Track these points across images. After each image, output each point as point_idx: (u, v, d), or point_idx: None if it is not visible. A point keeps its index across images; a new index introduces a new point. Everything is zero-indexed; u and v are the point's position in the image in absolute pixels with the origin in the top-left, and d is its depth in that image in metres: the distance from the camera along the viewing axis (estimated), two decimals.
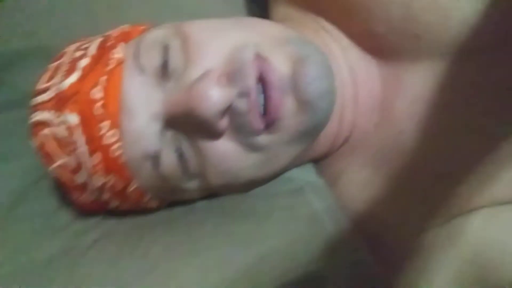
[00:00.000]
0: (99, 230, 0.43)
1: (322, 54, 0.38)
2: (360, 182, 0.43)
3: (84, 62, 0.37)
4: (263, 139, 0.36)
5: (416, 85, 0.41)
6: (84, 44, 0.40)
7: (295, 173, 0.45)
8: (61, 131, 0.36)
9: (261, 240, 0.39)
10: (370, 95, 0.43)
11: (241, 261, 0.37)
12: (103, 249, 0.41)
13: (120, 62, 0.36)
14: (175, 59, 0.36)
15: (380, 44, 0.41)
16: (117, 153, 0.36)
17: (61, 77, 0.37)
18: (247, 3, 0.59)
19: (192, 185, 0.39)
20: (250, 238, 0.39)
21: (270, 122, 0.35)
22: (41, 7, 0.57)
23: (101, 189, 0.38)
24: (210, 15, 0.41)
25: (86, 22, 0.56)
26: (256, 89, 0.34)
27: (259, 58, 0.35)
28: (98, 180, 0.37)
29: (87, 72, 0.36)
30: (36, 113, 0.37)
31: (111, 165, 0.36)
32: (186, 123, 0.35)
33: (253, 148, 0.36)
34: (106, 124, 0.35)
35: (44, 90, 0.38)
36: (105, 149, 0.36)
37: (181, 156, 0.37)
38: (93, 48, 0.38)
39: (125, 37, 0.39)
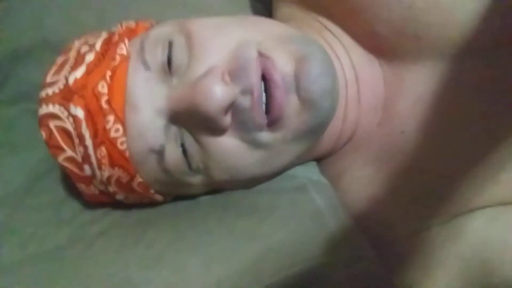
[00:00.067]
0: (106, 221, 0.44)
1: (325, 53, 0.38)
2: (363, 181, 0.43)
3: (90, 57, 0.38)
4: (266, 136, 0.36)
5: (418, 85, 0.41)
6: (90, 39, 0.41)
7: (298, 170, 0.45)
8: (68, 124, 0.37)
9: (263, 235, 0.39)
10: (373, 95, 0.43)
11: (244, 255, 0.38)
12: (109, 240, 0.41)
13: (125, 58, 0.37)
14: (179, 56, 0.36)
15: (382, 44, 0.41)
16: (122, 147, 0.36)
17: (67, 71, 0.38)
18: (252, 3, 0.58)
19: (196, 180, 0.39)
20: (253, 233, 0.39)
21: (273, 120, 0.35)
22: (48, 2, 0.58)
23: (107, 181, 0.39)
24: (215, 14, 0.41)
25: (93, 18, 0.56)
26: (260, 86, 0.35)
27: (262, 56, 0.35)
28: (104, 173, 0.38)
29: (93, 67, 0.37)
30: (43, 106, 0.38)
31: (116, 159, 0.37)
32: (190, 119, 0.36)
33: (256, 145, 0.37)
34: (111, 118, 0.36)
35: (51, 84, 0.38)
36: (110, 143, 0.36)
37: (185, 152, 0.37)
38: (99, 44, 0.39)
39: (130, 34, 0.40)
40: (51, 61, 0.41)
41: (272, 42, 0.36)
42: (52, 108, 0.37)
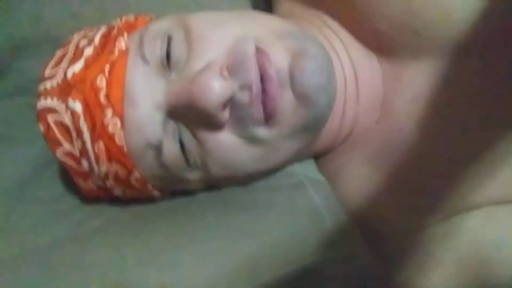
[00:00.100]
0: (104, 216, 0.44)
1: (322, 48, 0.38)
2: (361, 178, 0.43)
3: (88, 51, 0.38)
4: (263, 132, 0.36)
5: (417, 83, 0.41)
6: (89, 33, 0.41)
7: (296, 168, 0.45)
8: (66, 118, 0.37)
9: (260, 232, 0.39)
10: (372, 92, 0.43)
11: (240, 252, 0.38)
12: (106, 235, 0.41)
13: (123, 53, 0.37)
14: (178, 51, 0.36)
15: (381, 40, 0.41)
16: (120, 142, 0.36)
17: (66, 65, 0.38)
18: None
19: (194, 175, 0.39)
20: (250, 230, 0.39)
21: (268, 115, 0.35)
22: None
23: (105, 176, 0.39)
24: (216, 9, 0.41)
25: (93, 11, 0.56)
26: (258, 82, 0.35)
27: (260, 51, 0.35)
28: (102, 168, 0.38)
29: (91, 61, 0.37)
30: (41, 100, 0.38)
31: (114, 154, 0.37)
32: (188, 114, 0.36)
33: (253, 141, 0.37)
34: (109, 112, 0.36)
35: (49, 78, 0.38)
36: (108, 137, 0.36)
37: (183, 147, 0.37)
38: (97, 38, 0.39)
39: (129, 28, 0.40)
40: (51, 54, 0.41)
41: (270, 37, 0.37)
42: (51, 102, 0.37)
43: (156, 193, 0.42)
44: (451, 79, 0.39)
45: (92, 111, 0.36)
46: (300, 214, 0.41)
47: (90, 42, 0.39)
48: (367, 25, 0.41)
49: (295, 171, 0.45)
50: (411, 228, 0.38)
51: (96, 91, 0.36)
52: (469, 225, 0.35)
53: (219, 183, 0.43)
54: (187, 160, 0.38)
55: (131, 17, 0.42)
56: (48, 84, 0.38)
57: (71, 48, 0.39)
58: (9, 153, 0.51)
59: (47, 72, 0.39)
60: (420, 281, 0.36)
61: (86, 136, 0.37)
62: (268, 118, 0.35)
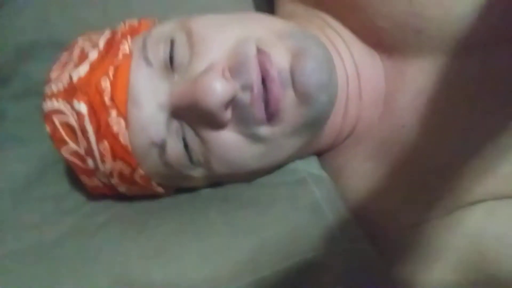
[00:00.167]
0: (108, 212, 0.44)
1: (323, 47, 0.38)
2: (363, 173, 0.43)
3: (93, 54, 0.38)
4: (265, 130, 0.37)
5: (419, 79, 0.41)
6: (94, 37, 0.41)
7: (299, 164, 0.45)
8: (71, 119, 0.38)
9: (263, 227, 0.39)
10: (374, 89, 0.43)
11: (243, 248, 0.38)
12: (110, 231, 0.42)
13: (127, 56, 0.37)
14: (181, 53, 0.37)
15: (383, 38, 0.42)
16: (124, 141, 0.37)
17: (71, 68, 0.39)
18: (255, 0, 0.58)
19: (197, 173, 0.40)
20: (252, 226, 0.40)
21: (271, 114, 0.36)
22: (53, 0, 0.58)
23: (110, 174, 0.40)
24: (218, 12, 0.41)
25: (97, 16, 0.57)
26: (259, 82, 0.35)
27: (261, 52, 0.35)
28: (107, 166, 0.39)
29: (96, 64, 0.38)
30: (47, 102, 0.39)
31: (119, 153, 0.38)
32: (191, 114, 0.36)
33: (256, 139, 0.37)
34: (113, 113, 0.36)
35: (55, 80, 0.39)
36: (113, 137, 0.37)
37: (186, 146, 0.38)
38: (102, 42, 0.39)
39: (132, 32, 0.40)
40: (56, 58, 0.41)
41: (271, 38, 0.37)
42: (57, 104, 0.38)
43: (160, 189, 0.42)
44: (453, 75, 0.39)
45: (97, 112, 0.37)
46: (302, 209, 0.41)
47: (95, 46, 0.39)
48: (368, 24, 0.41)
49: (298, 168, 0.45)
50: (413, 223, 0.38)
51: (100, 92, 0.36)
52: (470, 220, 0.35)
53: (222, 180, 0.43)
54: (190, 158, 0.38)
55: (134, 21, 0.43)
56: (53, 87, 0.39)
57: (76, 51, 0.40)
58: (17, 152, 0.52)
59: (53, 75, 0.40)
60: (421, 274, 0.36)
61: (91, 135, 0.37)
62: (271, 117, 0.36)
